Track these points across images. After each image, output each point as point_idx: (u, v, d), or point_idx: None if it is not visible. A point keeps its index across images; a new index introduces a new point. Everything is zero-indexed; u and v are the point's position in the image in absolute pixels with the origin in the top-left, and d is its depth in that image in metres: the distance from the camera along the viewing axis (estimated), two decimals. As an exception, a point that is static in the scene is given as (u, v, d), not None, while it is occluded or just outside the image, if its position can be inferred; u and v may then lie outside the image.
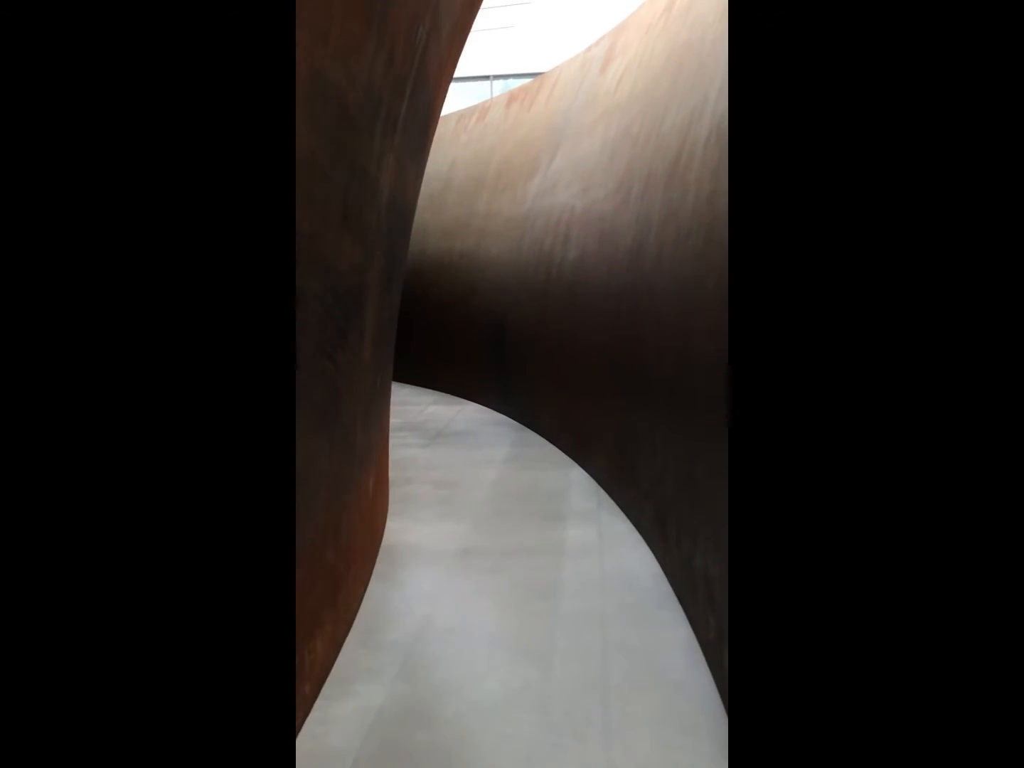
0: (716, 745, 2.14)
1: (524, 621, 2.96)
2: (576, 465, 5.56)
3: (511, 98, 9.30)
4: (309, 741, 2.18)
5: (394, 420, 7.47)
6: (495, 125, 9.38)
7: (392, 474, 5.32)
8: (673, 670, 2.57)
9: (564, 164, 6.92)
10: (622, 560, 3.62)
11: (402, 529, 4.13)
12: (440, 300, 9.43)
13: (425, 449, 6.18)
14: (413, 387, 9.98)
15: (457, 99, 13.14)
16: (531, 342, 6.95)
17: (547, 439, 6.44)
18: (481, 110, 9.95)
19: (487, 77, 17.37)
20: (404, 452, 6.04)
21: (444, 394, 9.33)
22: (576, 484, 5.05)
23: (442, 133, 10.60)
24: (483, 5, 4.47)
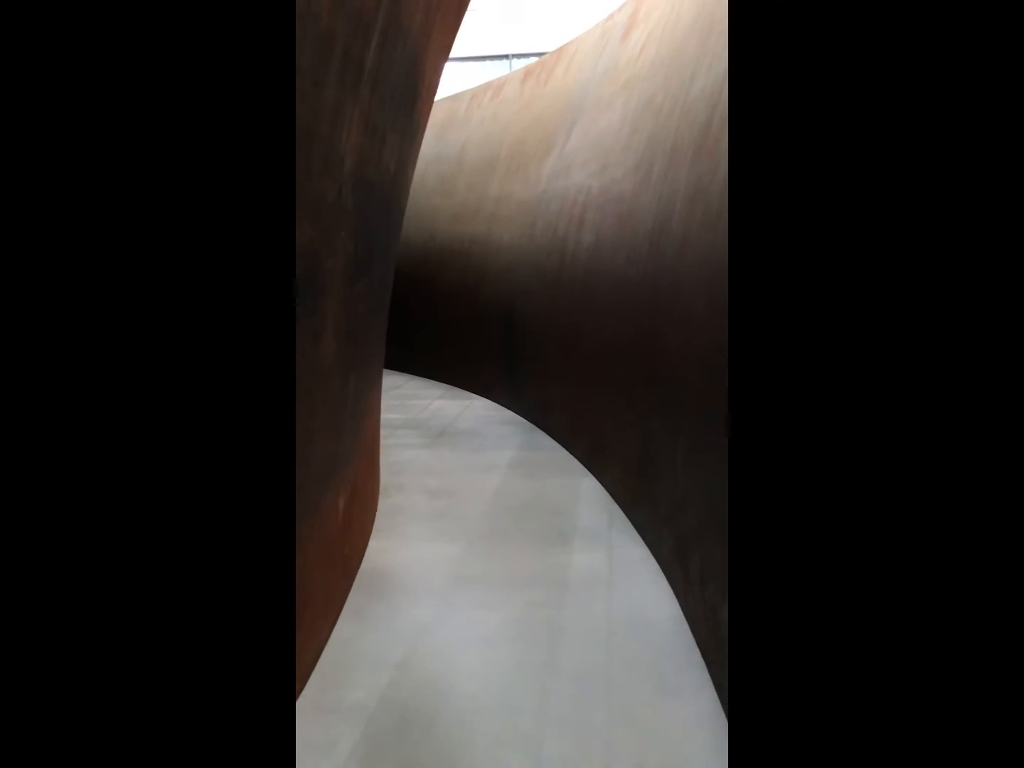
0: None
1: (513, 681, 2.46)
2: (588, 474, 5.03)
3: (527, 73, 8.72)
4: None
5: (396, 416, 7.00)
6: (509, 102, 8.80)
7: (385, 479, 4.84)
8: (693, 760, 2.05)
9: (581, 142, 6.36)
10: (635, 597, 3.10)
11: (386, 549, 3.65)
12: (450, 288, 8.92)
13: (425, 451, 5.69)
14: (422, 380, 9.50)
15: (475, 80, 12.54)
16: (542, 335, 6.42)
17: (558, 442, 5.92)
18: (495, 87, 9.38)
19: (506, 56, 16.71)
20: (401, 454, 5.56)
21: (453, 388, 8.83)
22: (587, 497, 4.53)
23: (454, 112, 10.05)
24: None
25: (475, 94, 9.82)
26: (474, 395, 8.28)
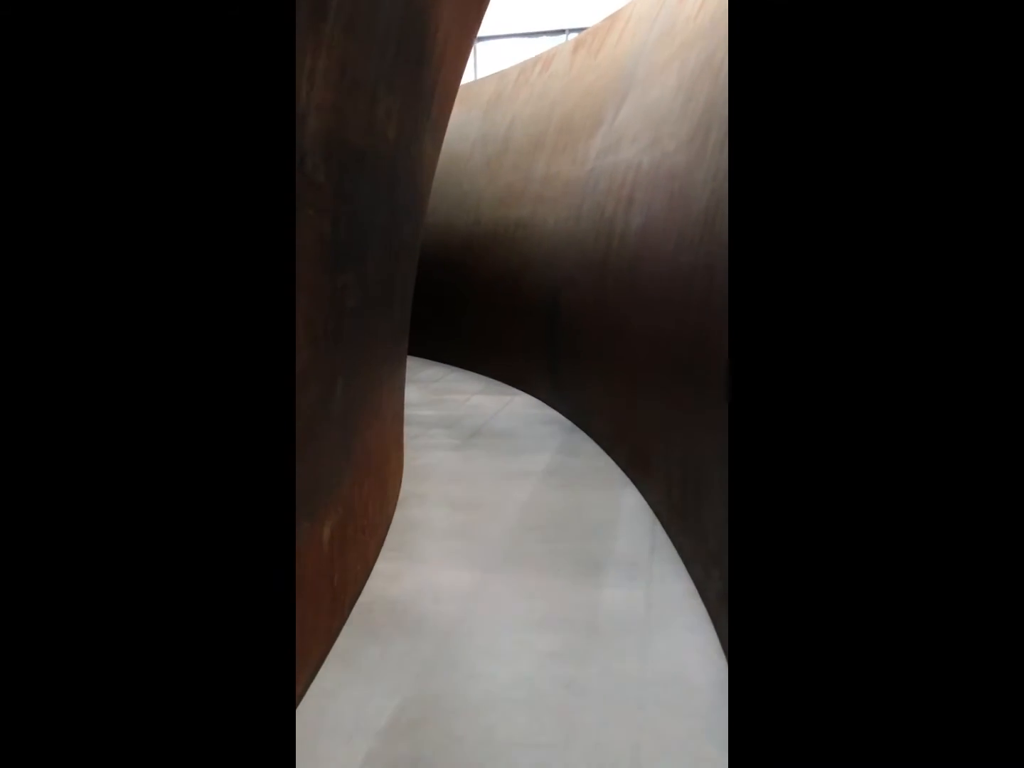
0: None
1: (517, 765, 1.99)
2: (631, 485, 4.50)
3: (578, 44, 8.11)
4: None
5: (430, 413, 6.60)
6: (559, 76, 8.22)
7: (406, 487, 4.43)
8: None
9: (632, 114, 5.76)
10: (674, 652, 2.57)
11: (393, 575, 3.22)
12: (494, 276, 8.44)
13: (454, 453, 5.25)
14: (463, 372, 9.07)
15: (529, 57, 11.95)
16: (586, 328, 5.88)
17: (600, 446, 5.39)
18: (544, 60, 8.80)
19: (563, 31, 15.99)
20: (429, 457, 5.13)
21: (495, 381, 8.37)
22: (627, 514, 4.00)
23: (502, 90, 9.52)
24: None
25: (523, 69, 9.26)
26: (516, 390, 7.81)
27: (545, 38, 15.80)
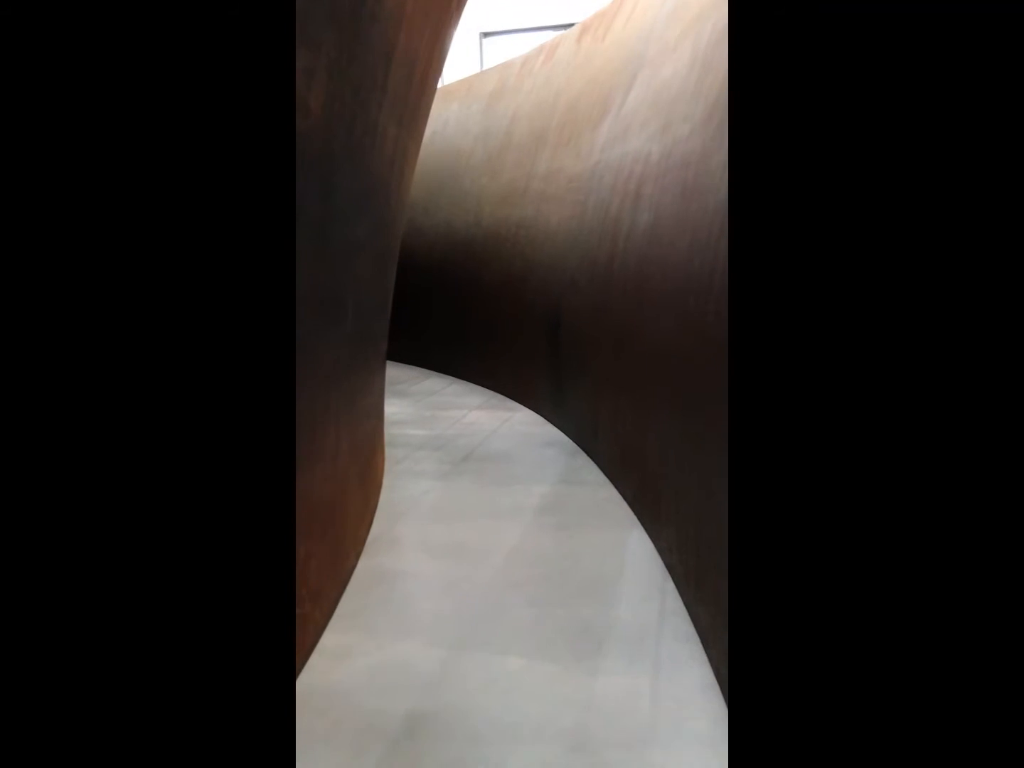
0: None
1: None
2: (638, 526, 3.87)
3: (583, 29, 7.51)
4: None
5: (419, 432, 6.00)
6: (563, 64, 7.62)
7: (378, 527, 3.84)
8: None
9: (641, 98, 5.14)
10: (687, 781, 1.95)
11: (340, 653, 2.62)
12: (495, 281, 7.84)
13: (440, 482, 4.65)
14: (464, 384, 8.48)
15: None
16: (590, 340, 5.26)
17: (605, 473, 4.76)
18: (548, 48, 8.21)
19: (573, 25, 15.36)
20: (411, 487, 4.54)
21: (497, 395, 7.77)
22: (632, 567, 3.37)
23: (504, 82, 8.94)
24: None
25: (526, 59, 8.68)
26: (518, 405, 7.20)
27: (553, 32, 15.20)
